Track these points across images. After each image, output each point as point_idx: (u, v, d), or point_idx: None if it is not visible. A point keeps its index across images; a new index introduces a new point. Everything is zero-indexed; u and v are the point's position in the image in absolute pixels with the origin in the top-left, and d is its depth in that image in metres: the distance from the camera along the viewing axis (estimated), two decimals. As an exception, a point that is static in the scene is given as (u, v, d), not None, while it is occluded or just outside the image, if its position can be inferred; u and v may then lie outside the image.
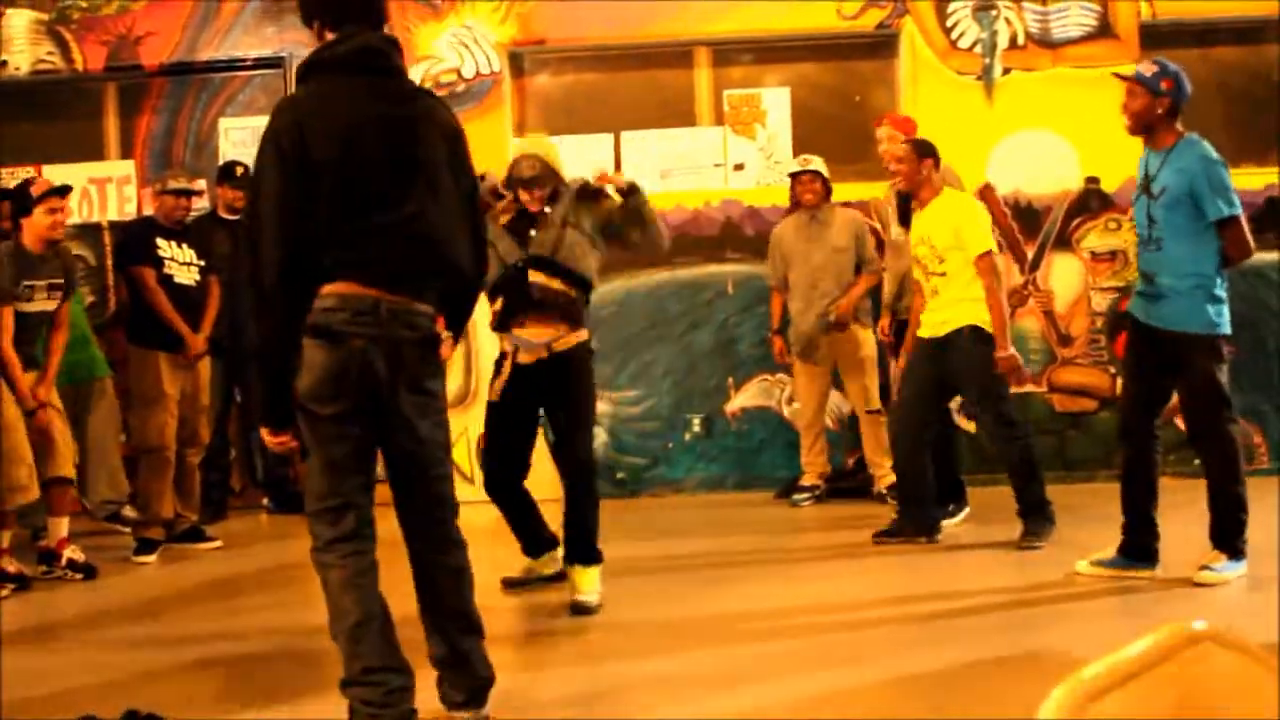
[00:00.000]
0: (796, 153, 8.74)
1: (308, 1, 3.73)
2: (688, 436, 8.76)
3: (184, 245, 7.39)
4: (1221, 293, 5.43)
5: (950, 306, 6.34)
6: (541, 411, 5.77)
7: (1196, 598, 5.21)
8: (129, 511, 7.95)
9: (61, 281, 6.62)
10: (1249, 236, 5.45)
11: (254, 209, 3.57)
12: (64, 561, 6.64)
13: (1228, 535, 5.47)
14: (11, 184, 8.37)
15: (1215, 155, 5.42)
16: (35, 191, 6.46)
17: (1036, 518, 6.35)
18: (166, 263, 7.31)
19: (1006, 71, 8.55)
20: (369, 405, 3.57)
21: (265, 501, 8.74)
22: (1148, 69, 5.51)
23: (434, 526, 3.80)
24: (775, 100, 8.81)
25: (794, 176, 8.00)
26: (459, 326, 4.01)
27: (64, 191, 6.58)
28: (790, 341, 8.06)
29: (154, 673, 4.82)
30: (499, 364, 5.72)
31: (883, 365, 7.97)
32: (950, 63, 8.61)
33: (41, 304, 6.52)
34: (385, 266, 3.55)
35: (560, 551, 5.86)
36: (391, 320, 3.55)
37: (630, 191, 5.52)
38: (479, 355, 8.78)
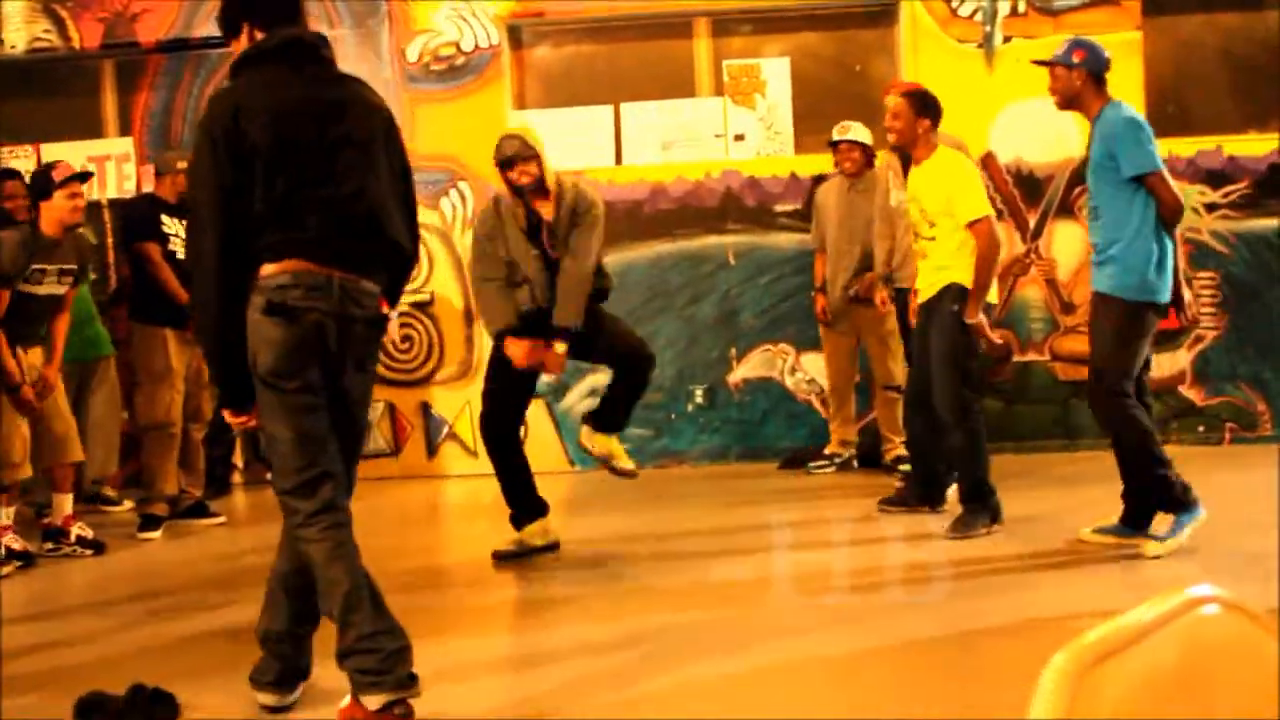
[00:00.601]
0: (797, 123, 8.72)
1: (233, 10, 3.83)
2: (690, 408, 8.76)
3: (186, 221, 7.38)
4: (1151, 258, 5.39)
5: (937, 271, 6.21)
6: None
7: (1198, 563, 5.21)
8: (109, 490, 8.02)
9: (74, 268, 6.61)
10: (1174, 190, 5.42)
11: (192, 199, 3.71)
12: (73, 538, 6.66)
13: (1164, 497, 5.47)
14: (11, 163, 8.39)
15: (1132, 115, 5.48)
16: (57, 176, 6.44)
17: (974, 507, 6.07)
18: (171, 239, 7.30)
19: (1007, 39, 8.52)
20: (323, 378, 3.69)
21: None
22: (1060, 47, 5.62)
23: (346, 495, 3.87)
24: (775, 70, 8.78)
25: (833, 145, 7.95)
26: (395, 300, 4.11)
27: (85, 177, 6.58)
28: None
29: (159, 647, 4.84)
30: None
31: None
32: (951, 31, 8.57)
33: (51, 288, 6.50)
34: (333, 243, 3.67)
35: (549, 522, 6.09)
36: (344, 297, 3.68)
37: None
38: (482, 329, 8.76)
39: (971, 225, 6.03)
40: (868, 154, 7.89)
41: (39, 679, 4.45)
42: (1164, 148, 8.23)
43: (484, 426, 6.08)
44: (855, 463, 8.16)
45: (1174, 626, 1.23)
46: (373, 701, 3.58)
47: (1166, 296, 5.48)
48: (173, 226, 7.32)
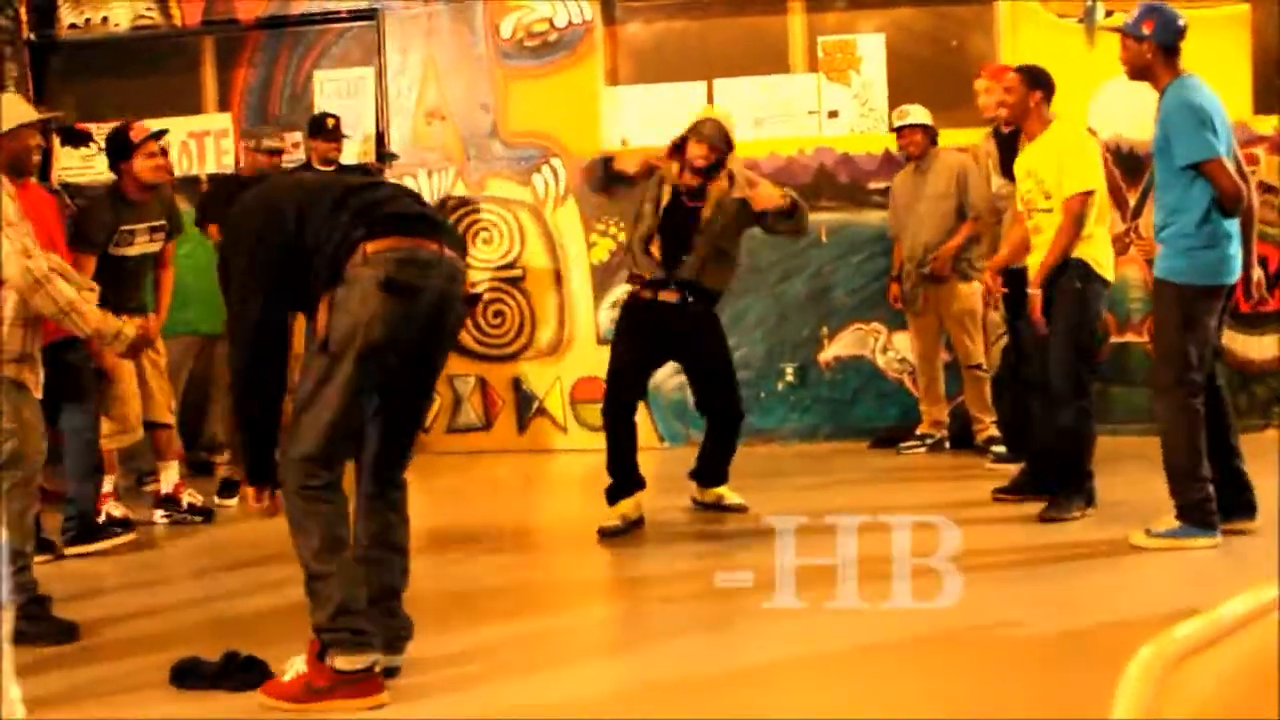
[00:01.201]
0: (892, 99, 8.61)
1: None
2: (781, 386, 8.72)
3: None
4: (1202, 241, 5.20)
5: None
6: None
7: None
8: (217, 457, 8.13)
9: (163, 224, 6.63)
10: (1230, 177, 5.17)
11: (229, 298, 3.85)
12: (184, 505, 6.76)
13: (1179, 502, 5.31)
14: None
15: (1190, 98, 5.21)
16: (134, 137, 6.46)
17: (1069, 491, 5.93)
18: None
19: (1109, 14, 8.33)
20: (416, 354, 3.81)
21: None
22: (1131, 15, 5.39)
23: (404, 469, 4.03)
24: (870, 46, 8.68)
25: (896, 131, 7.92)
26: None
27: (160, 135, 6.58)
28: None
29: (253, 615, 4.92)
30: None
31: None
32: (1051, 6, 8.40)
33: (143, 247, 6.53)
34: (430, 222, 3.84)
35: (641, 498, 6.16)
36: (450, 276, 3.79)
37: (791, 211, 6.07)
38: (573, 305, 8.80)
39: (1067, 199, 5.89)
40: (930, 135, 7.89)
41: (136, 644, 4.55)
42: (1270, 124, 8.10)
43: (610, 397, 6.20)
44: (947, 444, 8.08)
45: (1266, 621, 1.20)
46: (357, 661, 3.66)
47: (1227, 279, 5.29)
48: None
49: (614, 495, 6.12)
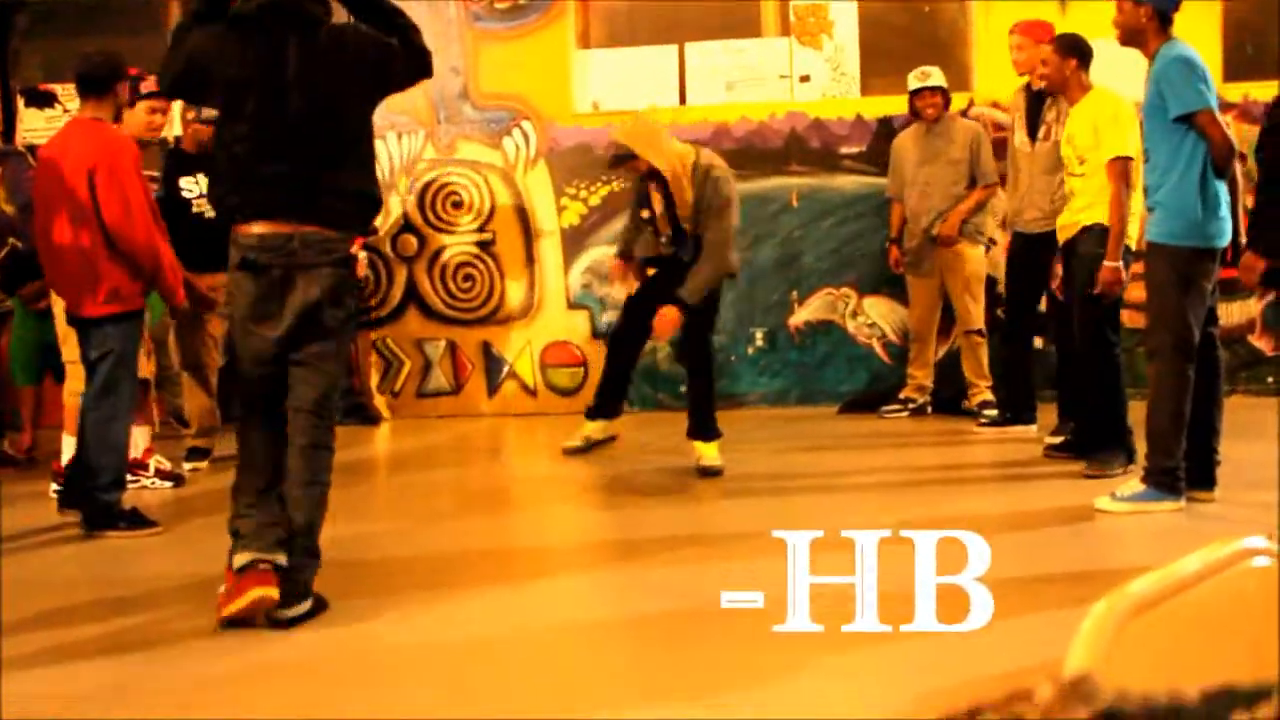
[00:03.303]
0: (864, 64, 8.59)
1: None
2: (750, 350, 8.73)
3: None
4: (1199, 202, 5.20)
5: (1082, 210, 6.12)
6: None
7: (1254, 519, 5.11)
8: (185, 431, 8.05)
9: None
10: (1222, 129, 5.20)
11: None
12: (152, 471, 6.68)
13: (1150, 466, 5.33)
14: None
15: (1184, 53, 5.24)
16: (143, 89, 6.39)
17: (1111, 447, 5.99)
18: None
19: (1081, -20, 8.33)
20: (290, 319, 4.22)
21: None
22: None
23: (323, 429, 4.36)
24: (842, 11, 8.65)
25: (914, 93, 7.83)
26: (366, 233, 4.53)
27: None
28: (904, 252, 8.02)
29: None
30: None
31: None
32: (1023, -29, 8.39)
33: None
34: (292, 204, 4.16)
35: (613, 425, 7.07)
36: (304, 249, 4.16)
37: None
38: (543, 268, 8.79)
39: (1109, 162, 5.94)
40: (946, 98, 7.84)
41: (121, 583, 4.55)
42: (1239, 91, 8.13)
43: (614, 339, 7.03)
44: (929, 409, 8.09)
45: (1222, 578, 1.21)
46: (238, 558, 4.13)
47: (1221, 241, 5.30)
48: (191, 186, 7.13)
49: (591, 413, 6.97)
